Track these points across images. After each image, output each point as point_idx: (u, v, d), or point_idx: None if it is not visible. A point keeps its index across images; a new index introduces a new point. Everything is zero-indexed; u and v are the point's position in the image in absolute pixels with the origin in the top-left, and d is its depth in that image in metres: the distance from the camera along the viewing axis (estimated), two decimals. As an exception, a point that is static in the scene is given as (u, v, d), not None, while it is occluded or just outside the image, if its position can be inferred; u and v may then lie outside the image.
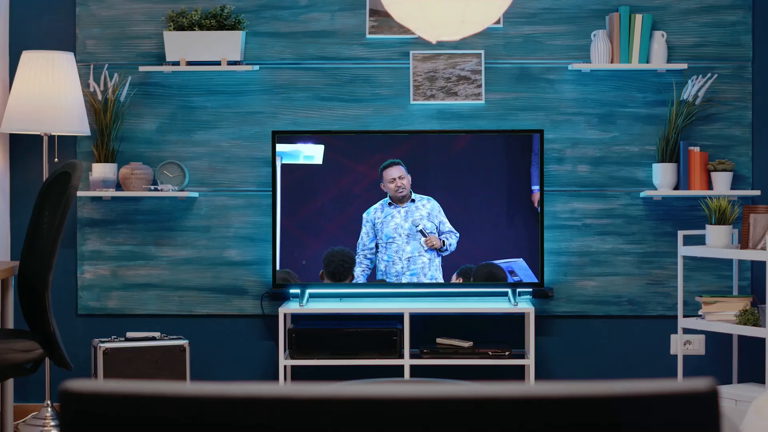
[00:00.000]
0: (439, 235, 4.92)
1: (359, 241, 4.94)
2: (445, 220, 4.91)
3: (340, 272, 4.93)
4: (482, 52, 5.06)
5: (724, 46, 5.05)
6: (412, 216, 4.92)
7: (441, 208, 4.92)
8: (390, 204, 4.92)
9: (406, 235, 4.92)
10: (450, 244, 4.91)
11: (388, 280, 4.93)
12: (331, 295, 5.04)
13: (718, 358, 5.07)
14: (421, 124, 5.08)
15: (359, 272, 4.93)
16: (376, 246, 4.92)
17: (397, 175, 4.92)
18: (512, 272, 4.92)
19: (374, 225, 4.92)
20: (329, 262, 4.93)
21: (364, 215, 4.94)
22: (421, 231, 4.89)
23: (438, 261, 4.92)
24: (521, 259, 4.92)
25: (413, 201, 4.91)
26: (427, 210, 4.91)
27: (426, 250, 4.93)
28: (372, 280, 4.93)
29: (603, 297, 5.09)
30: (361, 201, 4.96)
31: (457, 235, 4.91)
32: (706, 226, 4.76)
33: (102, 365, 4.77)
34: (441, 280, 4.94)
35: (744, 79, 5.06)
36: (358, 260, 4.93)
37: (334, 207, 4.97)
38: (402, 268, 4.92)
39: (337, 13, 5.10)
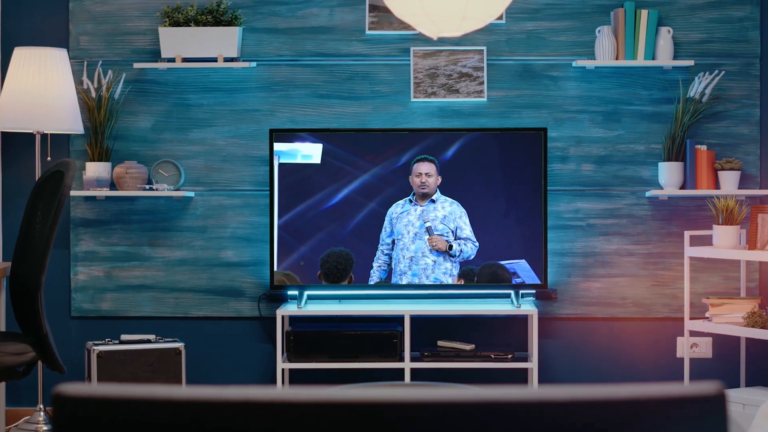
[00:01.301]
0: (454, 240, 4.85)
1: (380, 234, 4.89)
2: (466, 227, 4.85)
3: (334, 273, 4.88)
4: (484, 48, 5.00)
5: (731, 42, 4.99)
6: (426, 215, 4.86)
7: (465, 215, 4.85)
8: (411, 201, 4.86)
9: (414, 234, 4.86)
10: (462, 251, 4.84)
11: (394, 278, 4.86)
12: (330, 296, 4.99)
13: (725, 361, 5.03)
14: (422, 122, 5.02)
15: (376, 267, 4.87)
16: (393, 242, 4.87)
17: (424, 171, 4.87)
18: (514, 273, 4.86)
19: (392, 220, 4.87)
20: (324, 263, 4.89)
21: (389, 210, 4.87)
22: (427, 229, 4.84)
23: (449, 266, 4.85)
24: (524, 260, 4.85)
25: (433, 201, 4.85)
26: (445, 212, 4.85)
27: (430, 251, 4.86)
28: (390, 276, 4.86)
29: (608, 299, 5.04)
30: (360, 201, 4.90)
31: (476, 245, 4.84)
32: (713, 226, 4.73)
33: (96, 368, 4.74)
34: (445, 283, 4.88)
35: (752, 76, 5.00)
36: (376, 255, 4.88)
37: (333, 207, 4.91)
38: (404, 266, 4.86)
39: (336, 9, 5.04)
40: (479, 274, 4.87)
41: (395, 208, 4.90)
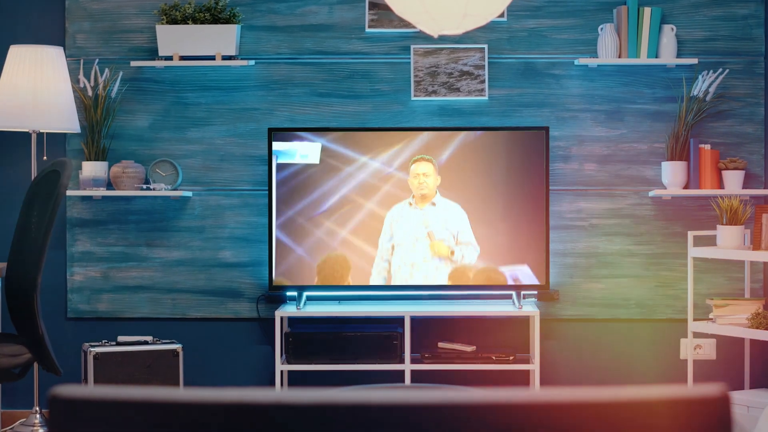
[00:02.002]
0: (455, 245, 4.81)
1: (379, 239, 4.84)
2: (467, 231, 4.80)
3: (330, 281, 4.84)
4: (485, 46, 4.97)
5: (735, 40, 4.96)
6: (427, 220, 4.81)
7: (466, 218, 4.80)
8: (410, 204, 4.82)
9: (415, 240, 4.81)
10: (463, 256, 4.80)
11: (395, 283, 4.83)
12: (330, 297, 4.96)
13: (729, 362, 5.01)
14: (423, 121, 4.99)
15: (375, 274, 4.84)
16: (393, 246, 4.82)
17: (422, 172, 4.83)
18: (516, 279, 4.82)
19: (391, 224, 4.82)
20: (320, 269, 4.85)
21: (388, 213, 4.83)
22: (428, 234, 4.79)
23: (450, 271, 4.80)
24: (526, 265, 4.80)
25: (434, 204, 4.80)
26: (446, 216, 4.80)
27: (431, 257, 4.82)
28: (388, 282, 4.82)
29: (610, 300, 5.00)
30: (359, 200, 4.86)
31: (477, 249, 4.79)
32: (717, 226, 4.70)
33: (92, 370, 4.72)
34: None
35: (756, 74, 4.96)
36: (375, 262, 4.84)
37: (332, 206, 4.87)
38: (405, 273, 4.82)
39: (336, 6, 5.01)
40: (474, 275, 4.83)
41: (395, 212, 4.85)
